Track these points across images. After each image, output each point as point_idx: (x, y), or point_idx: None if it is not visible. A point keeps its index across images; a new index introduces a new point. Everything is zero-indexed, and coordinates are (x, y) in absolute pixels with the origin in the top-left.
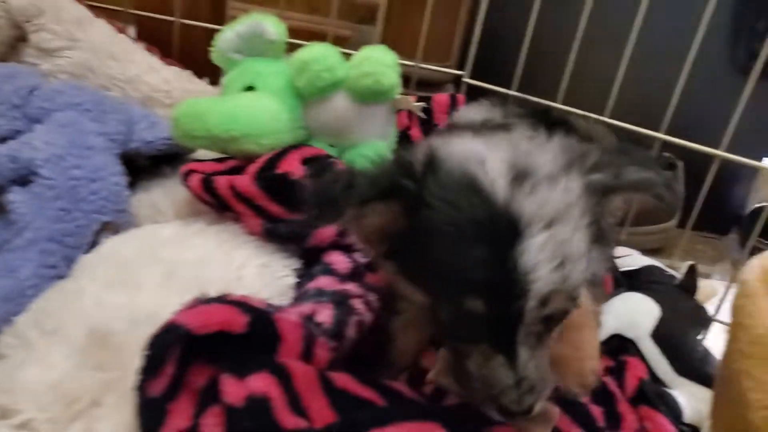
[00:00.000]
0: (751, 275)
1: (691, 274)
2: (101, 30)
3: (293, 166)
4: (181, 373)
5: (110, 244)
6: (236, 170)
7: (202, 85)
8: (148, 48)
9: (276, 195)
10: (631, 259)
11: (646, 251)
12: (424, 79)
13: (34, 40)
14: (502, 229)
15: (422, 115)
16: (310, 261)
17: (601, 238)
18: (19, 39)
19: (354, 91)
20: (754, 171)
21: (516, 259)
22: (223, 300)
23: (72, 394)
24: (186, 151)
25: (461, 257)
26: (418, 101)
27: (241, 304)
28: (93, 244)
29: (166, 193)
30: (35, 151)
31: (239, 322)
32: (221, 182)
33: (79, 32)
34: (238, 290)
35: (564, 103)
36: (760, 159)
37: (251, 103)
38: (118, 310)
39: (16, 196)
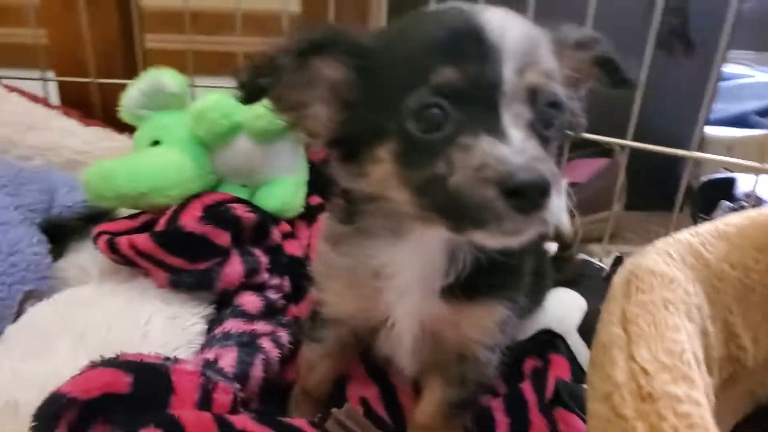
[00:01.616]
0: (617, 278)
1: (617, 265)
2: (15, 104)
3: (196, 215)
4: None
5: (30, 314)
6: (150, 224)
7: (123, 140)
8: (67, 111)
9: (173, 248)
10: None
11: (598, 239)
12: None
13: None
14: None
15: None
16: (223, 304)
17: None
18: None
19: (252, 132)
20: (701, 144)
21: (485, 28)
22: (109, 363)
23: None
24: (107, 210)
25: (429, 33)
26: None
27: (126, 365)
28: (19, 313)
29: (92, 254)
30: None
31: (122, 382)
32: (123, 242)
33: None
34: (143, 346)
35: None
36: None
37: (154, 158)
38: (31, 380)
39: None
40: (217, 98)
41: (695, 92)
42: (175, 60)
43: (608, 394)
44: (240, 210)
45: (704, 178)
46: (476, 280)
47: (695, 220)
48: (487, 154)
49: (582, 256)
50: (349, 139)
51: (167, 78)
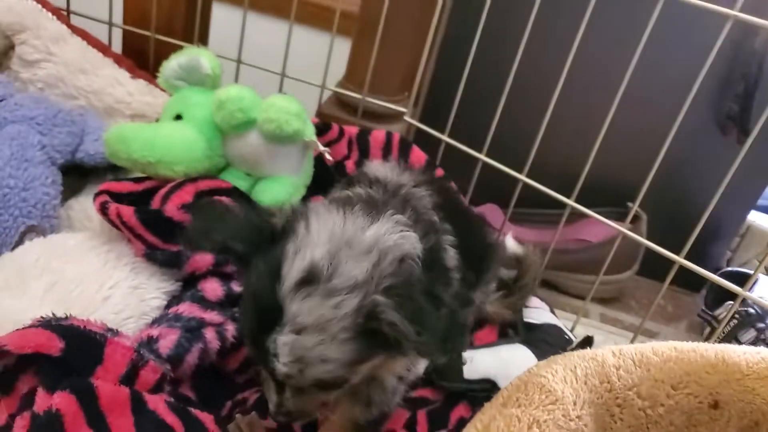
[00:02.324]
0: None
1: (584, 345)
2: (75, 46)
3: (186, 198)
4: (11, 381)
5: (24, 248)
6: (152, 190)
7: (163, 98)
8: (120, 60)
9: (152, 227)
10: (537, 312)
11: (602, 300)
12: (376, 112)
13: (18, 52)
14: (269, 318)
15: (329, 158)
16: (189, 285)
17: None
18: (10, 48)
19: (262, 132)
20: (736, 227)
21: (268, 343)
22: (48, 325)
23: None
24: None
25: (246, 318)
26: (359, 134)
27: (63, 330)
28: (18, 244)
29: None
30: None
31: (54, 346)
32: (111, 209)
33: (55, 48)
34: (101, 309)
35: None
36: (740, 217)
37: (171, 132)
38: (1, 310)
39: None
40: (238, 91)
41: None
42: None
43: None
44: (225, 202)
45: (725, 269)
46: None
47: (710, 307)
48: (269, 395)
49: (553, 321)
50: None
51: (205, 58)
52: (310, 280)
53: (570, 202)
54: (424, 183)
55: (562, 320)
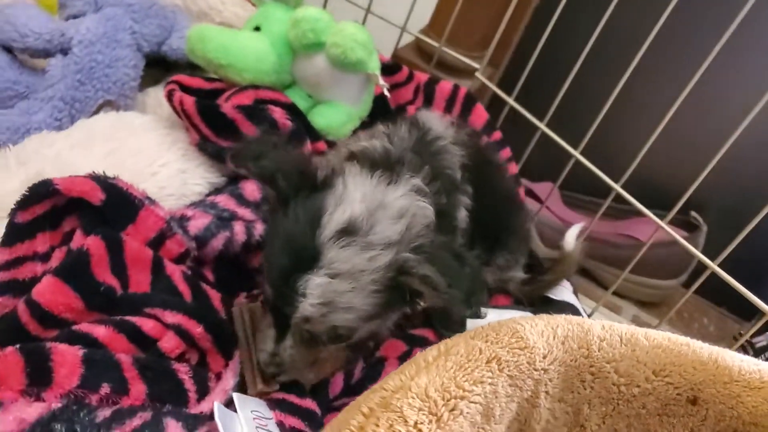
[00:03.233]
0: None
1: None
2: None
3: (245, 101)
4: (59, 220)
5: (98, 117)
6: (219, 92)
7: (252, 12)
8: None
9: (207, 119)
10: (559, 289)
11: (641, 303)
12: (450, 64)
13: None
14: (305, 259)
15: (387, 94)
16: (231, 182)
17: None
18: None
19: (327, 55)
20: None
21: (297, 282)
22: (96, 178)
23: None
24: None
25: (277, 257)
26: (427, 82)
27: (107, 185)
28: (95, 113)
29: None
30: (77, 33)
31: (96, 196)
32: (176, 96)
33: None
34: (147, 182)
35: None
36: None
37: (245, 41)
38: (65, 164)
39: (54, 61)
40: (314, 13)
41: None
42: None
43: (374, 390)
44: (278, 114)
45: None
46: None
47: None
48: (264, 340)
49: (572, 300)
50: None
51: None
52: (350, 231)
53: (616, 186)
54: (463, 143)
55: (589, 309)
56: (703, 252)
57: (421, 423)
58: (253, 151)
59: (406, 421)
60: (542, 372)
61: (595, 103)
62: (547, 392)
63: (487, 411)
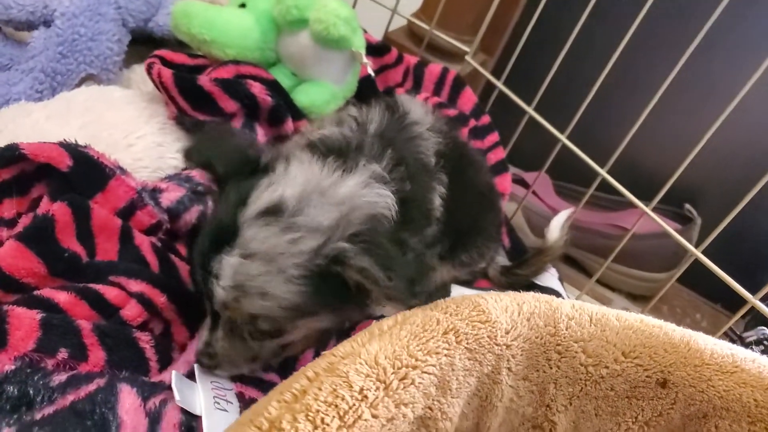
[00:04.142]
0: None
1: None
2: None
3: (225, 75)
4: (28, 186)
5: (79, 90)
6: (202, 68)
7: None
8: None
9: (185, 93)
10: (545, 275)
11: (632, 296)
12: (440, 47)
13: None
14: (222, 239)
15: (371, 73)
16: None
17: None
18: None
19: (311, 32)
20: None
21: (212, 263)
22: (65, 144)
23: None
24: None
25: (200, 238)
26: (416, 64)
27: (76, 152)
28: (77, 87)
29: None
30: (60, 5)
31: (63, 162)
32: (155, 69)
33: None
34: (122, 152)
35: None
36: None
37: (230, 17)
38: (40, 133)
39: (37, 33)
40: None
41: None
42: None
43: (324, 356)
44: (257, 89)
45: None
46: None
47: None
48: (201, 330)
49: (557, 287)
50: None
51: None
52: (273, 211)
53: (602, 172)
54: (440, 131)
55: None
56: (696, 245)
57: (368, 389)
58: (199, 141)
59: (351, 387)
60: (504, 347)
61: (584, 89)
62: (509, 369)
63: (442, 383)
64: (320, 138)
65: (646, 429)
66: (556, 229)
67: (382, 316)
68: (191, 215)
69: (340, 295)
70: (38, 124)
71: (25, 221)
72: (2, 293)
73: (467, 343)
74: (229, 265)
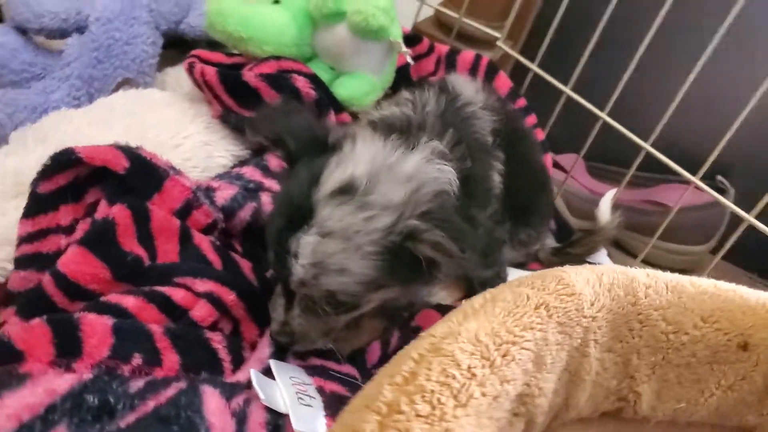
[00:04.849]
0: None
1: None
2: None
3: (267, 71)
4: (81, 191)
5: (117, 95)
6: (240, 66)
7: None
8: None
9: (230, 89)
10: (597, 255)
11: (672, 270)
12: (470, 35)
13: None
14: (298, 218)
15: (410, 61)
16: (256, 154)
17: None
18: None
19: (349, 24)
20: None
21: (290, 242)
22: (120, 146)
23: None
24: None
25: (275, 217)
26: (448, 52)
27: (131, 153)
28: (114, 92)
29: None
30: (93, 10)
31: (120, 164)
32: (197, 68)
33: None
34: (171, 153)
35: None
36: None
37: (266, 13)
38: (84, 139)
39: (71, 40)
40: None
41: None
42: None
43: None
44: (301, 83)
45: None
46: None
47: None
48: (275, 308)
49: (607, 263)
50: None
51: None
52: (346, 190)
53: (646, 145)
54: (493, 109)
55: None
56: (731, 216)
57: (474, 367)
58: (266, 116)
59: (459, 365)
60: (591, 319)
61: (618, 66)
62: (596, 341)
63: (538, 358)
64: (381, 118)
65: (729, 394)
66: (606, 209)
67: (439, 305)
68: (245, 212)
69: (411, 269)
70: (81, 131)
71: (83, 227)
72: (68, 301)
73: (558, 317)
74: (307, 243)
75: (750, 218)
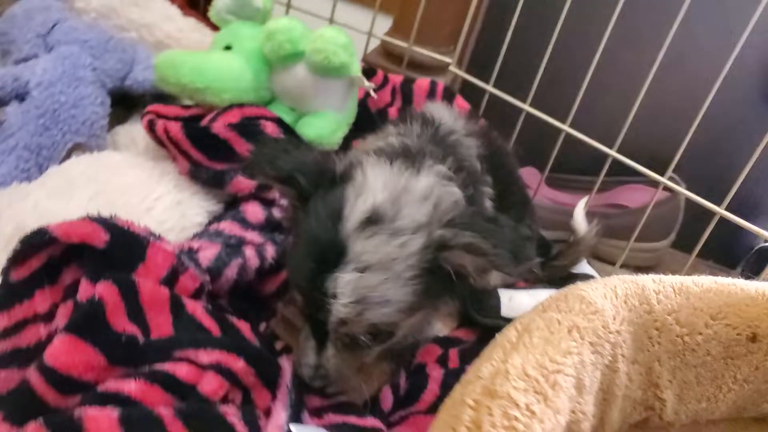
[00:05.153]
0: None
1: None
2: None
3: (233, 119)
4: (57, 272)
5: (71, 161)
6: (198, 118)
7: (212, 37)
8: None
9: (198, 143)
10: (581, 264)
11: (637, 269)
12: (421, 63)
13: None
14: (330, 257)
15: (373, 95)
16: (231, 205)
17: (442, 286)
18: None
19: (309, 63)
20: None
21: (326, 283)
22: (96, 219)
23: None
24: (171, 95)
25: (303, 259)
26: (403, 82)
27: (109, 224)
28: (65, 159)
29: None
30: (33, 75)
31: (99, 237)
32: (159, 125)
33: None
34: (144, 218)
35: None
36: None
37: (220, 61)
38: (46, 214)
39: (11, 109)
40: (288, 23)
41: None
42: None
43: (469, 381)
44: (270, 128)
45: (761, 245)
46: None
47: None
48: (304, 353)
49: (590, 272)
50: None
51: None
52: (375, 220)
53: (612, 152)
54: (476, 134)
55: None
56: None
57: (531, 404)
58: (267, 155)
59: (517, 405)
60: (616, 334)
61: (573, 77)
62: (623, 355)
63: (578, 383)
64: (378, 149)
65: (745, 386)
66: (581, 219)
67: (437, 338)
68: (232, 270)
69: (443, 285)
70: (40, 205)
71: (64, 312)
72: (61, 397)
73: (589, 338)
74: (347, 282)
75: (721, 210)
